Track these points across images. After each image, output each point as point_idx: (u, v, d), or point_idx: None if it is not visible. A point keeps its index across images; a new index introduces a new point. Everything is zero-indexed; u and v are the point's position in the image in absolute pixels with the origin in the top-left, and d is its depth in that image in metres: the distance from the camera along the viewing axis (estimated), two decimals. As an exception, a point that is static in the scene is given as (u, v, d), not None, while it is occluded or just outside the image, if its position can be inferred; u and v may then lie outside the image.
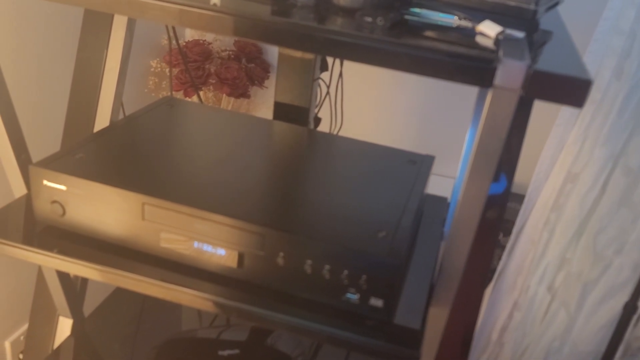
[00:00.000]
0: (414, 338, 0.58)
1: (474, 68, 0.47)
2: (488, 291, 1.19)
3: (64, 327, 0.89)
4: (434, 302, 0.64)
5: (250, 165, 0.71)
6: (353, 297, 0.58)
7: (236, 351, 0.86)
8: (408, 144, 1.40)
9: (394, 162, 0.76)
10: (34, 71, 1.02)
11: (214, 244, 0.61)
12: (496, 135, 0.49)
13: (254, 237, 0.59)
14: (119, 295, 0.98)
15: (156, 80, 1.20)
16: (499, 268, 1.17)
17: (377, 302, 0.58)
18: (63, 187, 0.64)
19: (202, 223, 0.60)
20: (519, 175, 1.40)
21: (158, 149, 0.72)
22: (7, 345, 1.08)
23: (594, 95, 1.00)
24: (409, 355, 0.57)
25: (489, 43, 0.52)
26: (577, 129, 1.03)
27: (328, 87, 0.90)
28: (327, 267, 0.58)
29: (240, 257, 0.61)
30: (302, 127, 0.83)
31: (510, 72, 0.46)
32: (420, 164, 0.77)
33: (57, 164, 0.65)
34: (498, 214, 0.65)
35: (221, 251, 0.61)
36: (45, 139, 0.92)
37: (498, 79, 0.46)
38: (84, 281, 0.91)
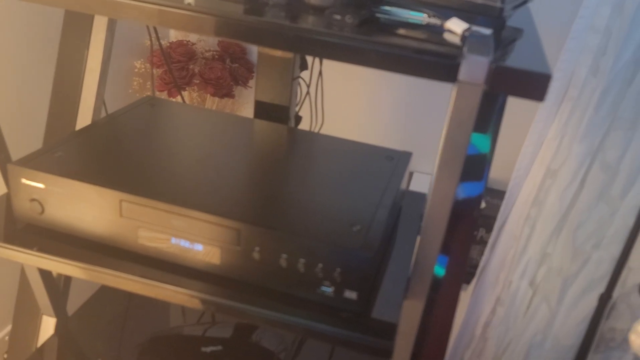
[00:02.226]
0: (388, 330, 0.59)
1: (439, 64, 0.48)
2: (471, 287, 1.21)
3: (48, 326, 0.89)
4: (408, 295, 0.65)
5: (229, 163, 0.72)
6: (328, 290, 0.60)
7: (219, 347, 0.87)
8: (389, 142, 1.41)
9: (371, 158, 0.78)
10: (16, 71, 1.03)
11: (191, 239, 0.62)
12: (462, 130, 0.50)
13: (230, 233, 0.60)
14: (104, 294, 0.99)
15: (140, 80, 1.21)
16: (481, 264, 1.19)
17: (351, 295, 0.59)
18: (41, 185, 0.64)
19: (178, 219, 0.61)
20: (499, 172, 1.43)
21: (138, 147, 0.73)
22: (-8, 344, 1.08)
23: (571, 92, 1.01)
24: (383, 346, 0.58)
25: (456, 40, 0.53)
26: (556, 125, 1.05)
27: (308, 86, 0.91)
28: (301, 260, 0.59)
29: (218, 252, 0.62)
30: (282, 125, 0.83)
31: (474, 68, 0.47)
32: (398, 160, 0.78)
33: (35, 162, 0.66)
34: (473, 208, 0.66)
35: (198, 247, 0.62)
36: (28, 138, 0.92)
37: (462, 74, 0.48)
38: (67, 280, 0.91)
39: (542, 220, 1.10)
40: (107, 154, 0.71)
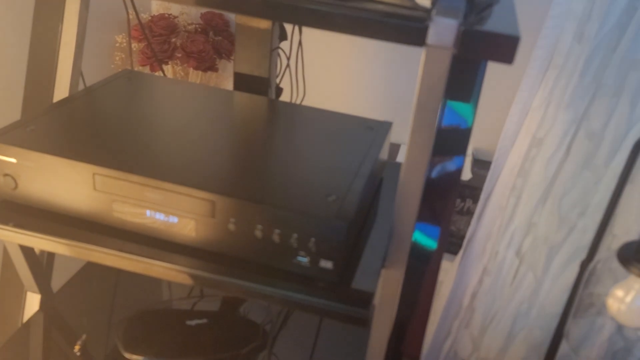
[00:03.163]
0: (364, 299, 0.59)
1: (407, 27, 0.48)
2: (458, 258, 1.21)
3: (33, 302, 0.89)
4: (386, 265, 0.65)
5: (206, 135, 0.71)
6: (304, 260, 0.59)
7: (204, 321, 0.87)
8: (375, 113, 1.40)
9: (350, 128, 0.77)
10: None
11: (166, 212, 0.62)
12: (433, 95, 0.50)
13: (204, 204, 0.60)
14: (90, 269, 0.99)
15: (122, 55, 1.19)
16: (468, 235, 1.19)
17: (327, 264, 0.59)
18: (13, 160, 0.64)
19: (152, 191, 0.61)
20: (486, 143, 1.42)
21: (113, 120, 0.72)
22: (-22, 322, 1.08)
23: (556, 59, 1.00)
24: (360, 315, 0.58)
25: (426, 3, 0.52)
26: (541, 93, 1.04)
27: (288, 57, 0.89)
28: (276, 231, 0.59)
29: (193, 224, 0.61)
30: (261, 97, 0.82)
31: (442, 31, 0.46)
32: (377, 130, 0.77)
33: (7, 136, 0.65)
34: (454, 175, 0.66)
35: (174, 219, 0.62)
36: (8, 111, 0.91)
37: (430, 38, 0.47)
38: (50, 256, 0.91)
39: (528, 190, 1.10)
40: (81, 127, 0.70)
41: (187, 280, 0.61)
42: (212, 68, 1.19)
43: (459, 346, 1.26)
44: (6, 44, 1.03)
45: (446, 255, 1.33)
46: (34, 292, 0.88)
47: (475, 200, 1.26)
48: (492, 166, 1.14)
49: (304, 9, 0.48)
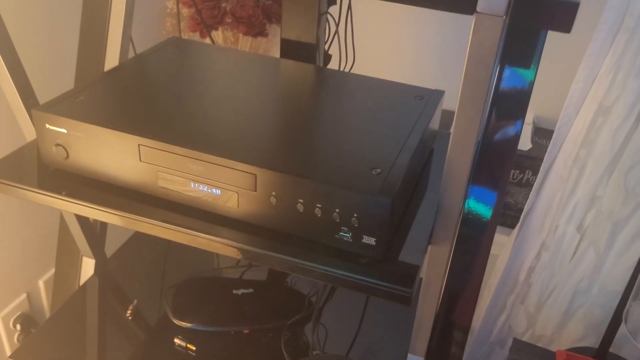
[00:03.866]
0: (407, 276, 0.57)
1: (456, -8, 0.44)
2: (515, 232, 1.16)
3: (88, 267, 0.92)
4: (433, 241, 0.63)
5: (250, 105, 0.70)
6: (346, 235, 0.58)
7: (250, 290, 0.88)
8: (427, 79, 1.34)
9: (400, 97, 0.74)
10: (45, 14, 1.02)
11: (209, 184, 0.61)
12: (483, 65, 0.46)
13: (246, 177, 0.59)
14: (141, 236, 1.01)
15: (173, 21, 1.19)
16: (526, 208, 1.14)
17: (369, 240, 0.57)
18: (64, 131, 0.65)
19: (195, 163, 0.60)
20: (547, 110, 1.34)
21: (159, 90, 0.72)
22: (40, 283, 1.14)
23: (627, 22, 0.93)
24: (402, 293, 0.56)
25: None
26: (610, 58, 0.96)
27: (337, 23, 0.86)
28: (318, 206, 0.57)
29: (235, 197, 0.61)
30: (308, 65, 0.80)
31: (494, -4, 0.42)
32: (428, 99, 0.74)
33: (58, 107, 0.66)
34: (507, 142, 0.63)
35: (217, 191, 0.61)
36: (62, 80, 0.93)
37: (480, 5, 0.43)
38: (104, 223, 0.94)
39: (592, 161, 1.03)
40: (129, 97, 0.70)
41: (230, 253, 0.61)
42: (262, 33, 1.18)
43: (514, 321, 1.23)
44: (61, 13, 1.05)
45: (502, 229, 1.29)
46: (89, 257, 0.91)
47: (535, 171, 1.20)
48: (554, 135, 1.08)
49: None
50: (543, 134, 1.25)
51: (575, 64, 1.03)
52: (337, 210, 0.57)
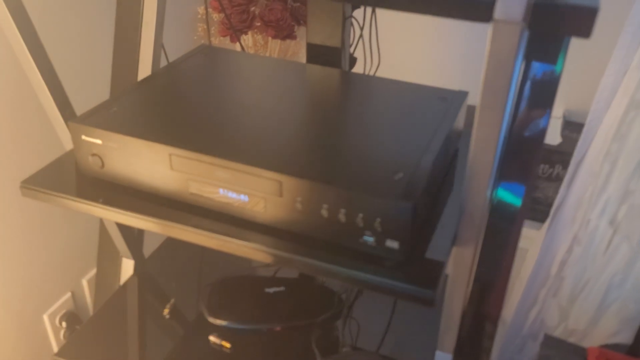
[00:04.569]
0: (431, 279, 0.59)
1: (473, 2, 0.45)
2: (545, 227, 1.16)
3: (128, 267, 0.96)
4: (457, 242, 0.64)
5: (277, 112, 0.72)
6: (370, 239, 0.59)
7: (282, 288, 0.90)
8: (452, 79, 1.33)
9: (423, 100, 0.75)
10: (78, 26, 1.06)
11: (237, 190, 0.63)
12: (502, 73, 0.47)
13: (272, 184, 0.61)
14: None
15: (204, 27, 1.22)
16: (556, 202, 1.13)
17: (392, 244, 0.59)
18: (99, 141, 0.68)
19: (223, 171, 0.63)
20: (578, 103, 1.32)
21: (188, 98, 0.75)
22: (84, 282, 1.19)
23: (659, 12, 0.91)
24: (426, 295, 0.58)
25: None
26: (641, 51, 0.95)
27: (361, 27, 0.87)
28: (342, 211, 0.59)
29: (262, 203, 0.63)
30: (332, 69, 0.82)
31: (510, 4, 0.43)
32: (452, 101, 0.74)
33: (92, 119, 0.69)
34: (533, 137, 0.63)
35: (245, 197, 0.64)
36: (98, 90, 0.97)
37: (497, 13, 0.44)
38: (141, 225, 0.97)
39: (625, 156, 1.02)
40: (159, 107, 0.73)
41: (258, 257, 0.63)
42: (291, 36, 1.19)
43: (546, 315, 1.22)
44: (95, 24, 1.08)
45: (533, 224, 1.28)
46: (128, 258, 0.95)
47: (565, 166, 1.19)
48: (585, 129, 1.07)
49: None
50: (573, 128, 1.23)
51: (606, 56, 1.01)
52: (360, 215, 0.58)
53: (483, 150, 0.54)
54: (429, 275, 0.59)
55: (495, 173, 0.61)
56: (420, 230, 0.64)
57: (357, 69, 0.92)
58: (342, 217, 0.59)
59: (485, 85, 0.49)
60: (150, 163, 0.66)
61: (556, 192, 1.18)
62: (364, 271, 0.59)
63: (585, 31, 0.43)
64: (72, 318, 1.16)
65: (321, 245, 0.62)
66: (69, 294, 1.16)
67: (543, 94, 0.61)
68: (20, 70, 0.73)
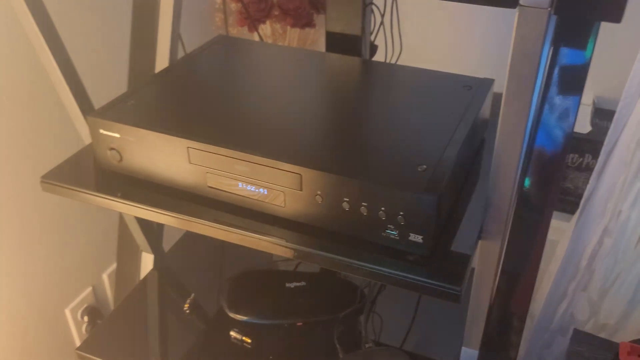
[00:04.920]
0: (456, 274, 0.56)
1: (497, -15, 0.42)
2: (574, 218, 1.12)
3: (147, 262, 0.96)
4: (483, 236, 0.62)
5: (295, 102, 0.70)
6: (393, 233, 0.57)
7: (303, 283, 0.89)
8: (477, 66, 1.29)
9: (447, 88, 0.72)
10: (95, 19, 1.05)
11: (256, 184, 0.62)
12: (528, 60, 0.45)
13: (291, 177, 0.59)
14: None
15: (222, 16, 1.20)
16: (586, 193, 1.09)
17: (416, 238, 0.57)
18: (117, 135, 0.67)
19: (242, 164, 0.61)
20: (608, 90, 1.28)
21: (206, 90, 0.73)
22: (104, 277, 1.19)
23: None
24: (451, 291, 0.56)
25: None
26: (676, 34, 0.91)
27: (382, 14, 0.85)
28: (363, 204, 0.57)
29: (282, 196, 0.61)
30: (353, 58, 0.80)
31: (537, -13, 0.41)
32: (477, 89, 0.72)
33: (110, 112, 0.68)
34: (561, 125, 0.60)
35: (264, 191, 0.62)
36: (115, 83, 0.96)
37: (523, -2, 0.41)
38: (161, 219, 0.96)
39: (658, 144, 0.98)
40: (177, 99, 0.72)
41: (278, 252, 0.62)
42: (310, 24, 1.17)
43: (576, 309, 1.19)
44: (112, 16, 1.08)
45: (562, 215, 1.25)
46: (147, 252, 0.95)
47: (595, 155, 1.15)
48: (616, 117, 1.03)
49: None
50: (604, 115, 1.19)
51: (638, 41, 0.97)
52: (382, 208, 0.56)
53: (509, 142, 0.52)
54: (455, 271, 0.57)
55: (522, 164, 0.59)
56: (445, 224, 0.61)
57: (378, 56, 0.90)
58: (363, 210, 0.57)
59: (510, 73, 0.47)
60: (168, 156, 0.65)
61: (586, 182, 1.14)
62: (386, 266, 0.57)
63: (616, 16, 0.41)
64: (93, 312, 1.16)
65: (342, 240, 0.60)
66: (89, 289, 1.16)
67: (572, 80, 0.58)
68: (39, 64, 0.73)
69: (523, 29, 0.43)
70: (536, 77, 0.45)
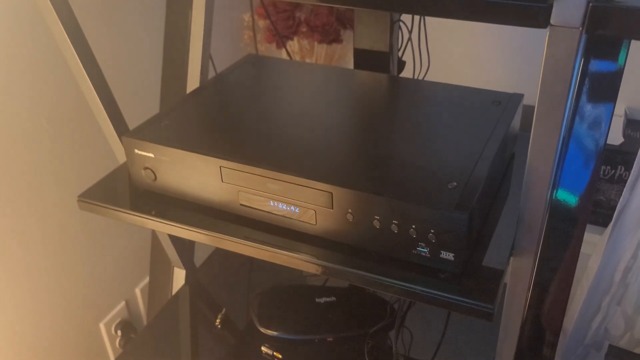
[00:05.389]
0: (489, 292, 0.56)
1: (528, 8, 0.42)
2: (608, 231, 1.10)
3: (179, 277, 0.97)
4: (515, 253, 0.61)
5: (326, 121, 0.71)
6: (424, 250, 0.58)
7: (332, 298, 0.89)
8: (506, 80, 1.28)
9: (476, 104, 0.72)
10: (129, 44, 1.08)
11: (288, 202, 0.63)
12: (560, 78, 0.45)
13: (322, 195, 0.60)
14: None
15: (250, 34, 1.22)
16: (619, 205, 1.08)
17: (447, 256, 0.57)
18: (151, 155, 0.68)
19: (273, 183, 0.62)
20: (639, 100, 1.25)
21: (238, 109, 0.75)
22: (137, 291, 1.21)
23: None
24: (484, 309, 0.55)
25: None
26: None
27: (410, 30, 0.85)
28: (394, 222, 0.57)
29: (313, 214, 0.62)
30: (381, 75, 0.80)
31: (568, 9, 0.41)
32: (506, 104, 0.72)
33: (144, 133, 0.70)
34: (594, 138, 0.60)
35: (295, 209, 0.63)
36: (148, 103, 0.98)
37: (554, 18, 0.42)
38: (192, 235, 0.98)
39: (693, 155, 0.96)
40: (209, 119, 0.73)
41: (309, 269, 0.63)
42: (337, 40, 1.18)
43: (610, 324, 1.17)
44: (146, 40, 1.10)
45: (595, 228, 1.23)
46: (179, 267, 0.96)
47: (628, 167, 1.13)
48: (648, 128, 1.01)
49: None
50: (636, 126, 1.17)
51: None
52: (413, 226, 0.57)
53: (541, 160, 0.52)
54: (487, 288, 0.57)
55: (554, 177, 0.58)
56: (476, 240, 0.61)
57: (406, 72, 0.90)
58: (394, 228, 0.58)
59: (542, 92, 0.47)
60: (201, 175, 0.66)
61: (619, 194, 1.12)
62: (418, 284, 0.57)
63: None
64: (126, 326, 1.18)
65: (373, 257, 0.61)
66: (123, 303, 1.18)
67: (604, 90, 0.58)
68: (77, 88, 0.75)
69: (554, 49, 0.43)
70: (568, 96, 0.46)
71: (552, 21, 0.42)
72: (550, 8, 0.41)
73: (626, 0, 0.41)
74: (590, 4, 0.40)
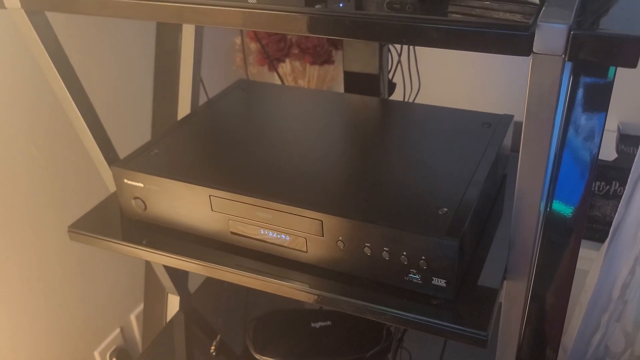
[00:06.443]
0: (481, 318, 0.56)
1: (510, 37, 0.42)
2: (604, 247, 1.10)
3: (174, 303, 0.97)
4: (508, 276, 0.61)
5: (316, 147, 0.71)
6: (415, 277, 0.57)
7: (328, 323, 0.88)
8: (496, 101, 1.28)
9: (466, 126, 0.72)
10: (119, 69, 1.08)
11: (278, 230, 0.62)
12: (544, 104, 0.45)
13: (312, 224, 0.59)
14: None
15: (242, 56, 1.22)
16: (615, 221, 1.07)
17: (439, 282, 0.56)
18: (141, 185, 0.68)
19: (263, 211, 0.62)
20: (632, 115, 1.25)
21: (228, 137, 0.74)
22: (132, 318, 1.20)
23: None
24: (477, 336, 0.55)
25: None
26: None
27: (399, 53, 0.86)
28: (385, 249, 0.57)
29: (304, 242, 0.61)
30: (371, 98, 0.80)
31: (550, 38, 0.41)
32: (496, 126, 0.72)
33: (134, 162, 0.69)
34: (586, 154, 0.59)
35: (285, 237, 0.63)
36: (141, 129, 0.98)
37: (537, 46, 0.41)
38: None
39: (686, 170, 0.96)
40: (199, 147, 0.73)
41: (300, 297, 0.62)
42: (329, 61, 1.19)
43: (610, 341, 1.16)
44: (136, 65, 1.11)
45: (591, 244, 1.22)
46: (173, 294, 0.96)
47: (622, 182, 1.13)
48: (642, 144, 1.01)
49: (401, 27, 0.45)
50: (629, 141, 1.17)
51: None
52: (404, 253, 0.56)
53: (530, 183, 0.51)
54: (480, 314, 0.56)
55: (545, 198, 0.58)
56: (468, 265, 0.61)
57: (397, 94, 0.90)
58: (385, 255, 0.57)
59: (527, 118, 0.47)
60: (190, 205, 0.66)
61: (614, 210, 1.12)
62: (410, 311, 0.57)
63: (631, 61, 0.40)
64: (122, 354, 1.17)
65: (365, 284, 0.60)
66: (118, 330, 1.17)
67: (594, 106, 0.57)
68: (65, 116, 0.75)
69: (538, 76, 0.43)
70: (554, 121, 0.45)
71: (534, 49, 0.42)
72: (532, 36, 0.41)
73: (608, 28, 0.41)
74: (572, 32, 0.40)
